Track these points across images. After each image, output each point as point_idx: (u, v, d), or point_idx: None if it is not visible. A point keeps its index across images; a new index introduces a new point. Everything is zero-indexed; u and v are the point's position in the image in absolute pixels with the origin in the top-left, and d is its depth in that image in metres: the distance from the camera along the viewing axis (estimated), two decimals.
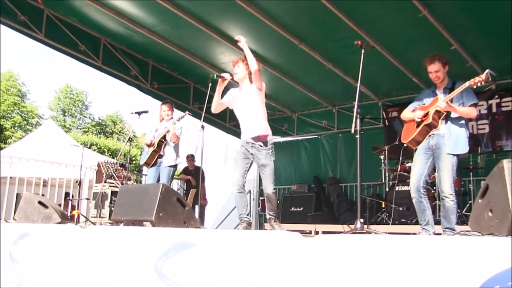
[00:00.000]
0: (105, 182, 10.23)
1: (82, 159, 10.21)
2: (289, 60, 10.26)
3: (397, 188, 8.75)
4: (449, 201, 5.24)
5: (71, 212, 10.26)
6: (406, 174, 8.80)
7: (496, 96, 10.03)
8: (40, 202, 6.60)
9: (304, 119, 13.33)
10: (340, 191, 12.17)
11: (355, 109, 5.11)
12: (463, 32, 8.48)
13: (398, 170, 9.01)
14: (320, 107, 12.83)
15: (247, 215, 5.90)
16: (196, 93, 12.53)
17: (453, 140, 5.32)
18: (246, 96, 5.94)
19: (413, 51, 8.89)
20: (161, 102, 8.59)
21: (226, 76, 6.02)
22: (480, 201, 3.56)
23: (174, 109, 8.40)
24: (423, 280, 2.46)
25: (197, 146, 6.85)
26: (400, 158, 8.95)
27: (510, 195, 3.04)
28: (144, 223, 5.17)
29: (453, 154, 5.30)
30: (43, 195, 10.24)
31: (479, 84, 5.06)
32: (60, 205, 10.72)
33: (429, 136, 5.47)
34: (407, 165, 8.91)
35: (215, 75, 6.06)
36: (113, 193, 9.77)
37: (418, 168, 5.52)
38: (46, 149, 13.00)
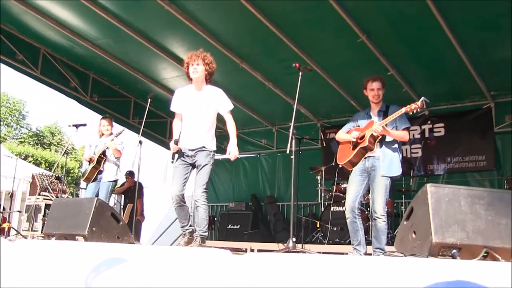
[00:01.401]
0: (39, 194, 10.01)
1: (15, 170, 9.95)
2: (230, 79, 10.33)
3: (332, 209, 8.89)
4: (381, 221, 5.36)
5: (1, 225, 9.96)
6: (341, 195, 8.99)
7: (429, 122, 10.46)
8: None
9: (244, 138, 13.32)
10: (277, 210, 12.25)
11: (290, 130, 5.23)
12: (399, 59, 8.87)
13: (334, 191, 9.19)
14: (260, 126, 12.98)
15: (190, 226, 5.63)
16: (137, 108, 12.42)
17: (387, 163, 5.47)
18: (204, 100, 5.66)
19: (351, 74, 9.15)
20: (100, 117, 8.48)
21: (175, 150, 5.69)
22: (405, 223, 3.70)
23: (114, 124, 8.30)
24: None
25: (134, 161, 6.79)
26: (336, 179, 9.11)
27: (431, 218, 3.17)
28: (77, 237, 5.10)
29: (387, 176, 5.45)
30: None
31: (415, 111, 5.25)
32: None
33: (365, 158, 5.60)
34: (343, 186, 9.10)
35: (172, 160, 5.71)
36: (47, 206, 9.58)
37: (354, 189, 5.61)
38: None
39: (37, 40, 10.55)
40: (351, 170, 5.78)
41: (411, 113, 5.31)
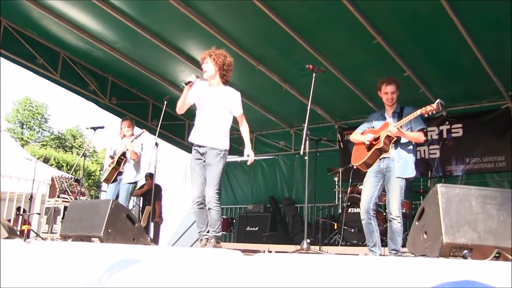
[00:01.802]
0: (58, 197, 10.13)
1: (34, 173, 10.09)
2: (247, 81, 10.36)
3: (349, 210, 8.89)
4: (396, 223, 5.37)
5: (21, 227, 10.10)
6: (358, 196, 8.95)
7: (447, 123, 10.37)
8: None
9: (262, 140, 13.47)
10: (296, 211, 12.25)
11: (304, 131, 5.24)
12: (415, 60, 8.82)
13: (350, 193, 9.18)
14: (278, 128, 13.01)
15: (207, 232, 5.44)
16: (155, 110, 12.45)
17: (402, 164, 5.47)
18: (217, 97, 5.55)
19: (367, 75, 9.09)
20: (121, 119, 8.59)
21: (193, 79, 5.55)
22: (416, 223, 3.69)
23: (134, 126, 8.37)
24: None
25: (151, 163, 6.84)
26: (350, 181, 9.08)
27: (442, 218, 3.16)
28: (93, 239, 5.15)
29: (402, 178, 5.45)
30: None
31: (430, 114, 5.24)
32: (9, 220, 10.55)
33: (380, 159, 5.60)
34: (360, 187, 9.05)
35: (183, 84, 5.62)
36: (66, 209, 9.66)
37: (369, 190, 5.62)
38: None
39: (57, 44, 10.68)
40: (366, 172, 5.79)
41: (426, 115, 5.30)
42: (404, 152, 5.53)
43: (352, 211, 8.83)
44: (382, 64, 8.74)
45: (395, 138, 5.49)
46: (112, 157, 8.01)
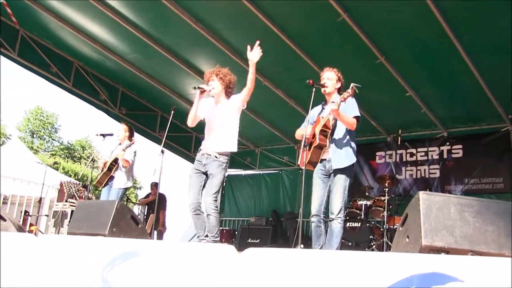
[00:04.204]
0: (66, 201, 10.33)
1: (44, 177, 10.32)
2: (254, 96, 10.57)
3: (348, 224, 9.05)
4: (337, 223, 5.30)
5: (29, 228, 10.30)
6: (357, 211, 9.16)
7: (448, 143, 10.63)
8: None
9: (266, 154, 13.70)
10: (297, 226, 12.37)
11: (302, 142, 5.40)
12: (417, 81, 9.08)
13: (349, 208, 9.34)
14: (282, 143, 13.23)
15: (205, 236, 5.62)
16: (163, 122, 12.75)
17: (338, 156, 5.40)
18: (224, 112, 5.77)
19: (371, 94, 9.26)
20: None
21: (206, 88, 5.77)
22: (400, 228, 3.90)
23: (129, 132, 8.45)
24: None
25: (156, 170, 7.02)
26: (350, 196, 9.23)
27: (422, 222, 3.39)
28: (98, 237, 5.38)
29: (341, 168, 5.35)
30: None
31: (348, 99, 5.24)
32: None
33: (324, 160, 5.52)
34: (359, 202, 9.25)
35: (196, 86, 5.82)
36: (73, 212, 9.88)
37: (318, 193, 5.54)
38: (8, 166, 12.91)
39: (71, 54, 11.07)
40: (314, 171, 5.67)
41: (345, 102, 5.25)
42: (340, 144, 5.46)
43: (350, 225, 9.00)
44: (384, 84, 9.00)
45: (329, 131, 5.45)
46: (105, 162, 8.21)
